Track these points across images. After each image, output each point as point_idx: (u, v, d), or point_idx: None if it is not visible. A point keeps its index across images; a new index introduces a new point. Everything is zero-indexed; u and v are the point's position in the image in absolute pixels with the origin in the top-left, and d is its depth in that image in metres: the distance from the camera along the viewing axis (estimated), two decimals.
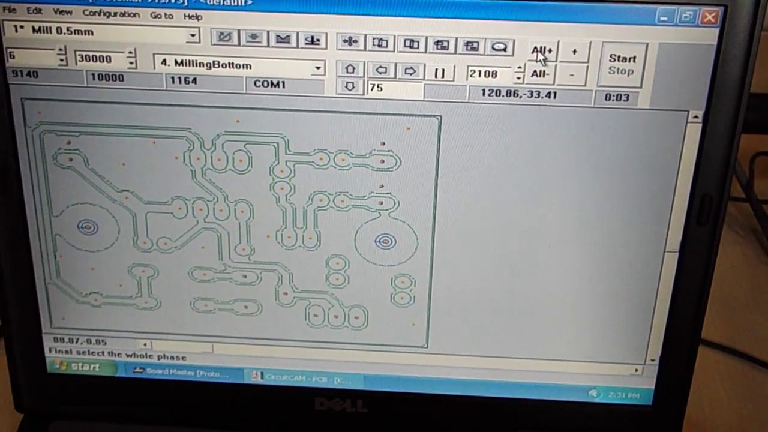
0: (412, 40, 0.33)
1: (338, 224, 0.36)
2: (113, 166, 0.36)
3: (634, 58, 0.33)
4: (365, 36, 0.33)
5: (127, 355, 0.39)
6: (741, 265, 0.54)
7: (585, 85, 0.33)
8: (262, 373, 0.39)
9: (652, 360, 0.38)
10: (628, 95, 0.33)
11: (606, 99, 0.33)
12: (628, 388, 0.39)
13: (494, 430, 0.39)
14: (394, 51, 0.33)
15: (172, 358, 0.39)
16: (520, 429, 0.39)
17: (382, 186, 0.35)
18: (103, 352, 0.39)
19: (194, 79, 0.34)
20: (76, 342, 0.39)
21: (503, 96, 0.33)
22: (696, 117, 0.33)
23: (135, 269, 0.37)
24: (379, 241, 0.36)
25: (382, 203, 0.36)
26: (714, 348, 0.47)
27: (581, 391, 0.39)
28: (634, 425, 0.39)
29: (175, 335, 0.39)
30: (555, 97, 0.33)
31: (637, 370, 0.38)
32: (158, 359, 0.39)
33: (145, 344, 0.39)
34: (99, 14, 0.33)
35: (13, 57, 0.34)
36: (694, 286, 0.36)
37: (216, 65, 0.34)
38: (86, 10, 0.33)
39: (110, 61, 0.34)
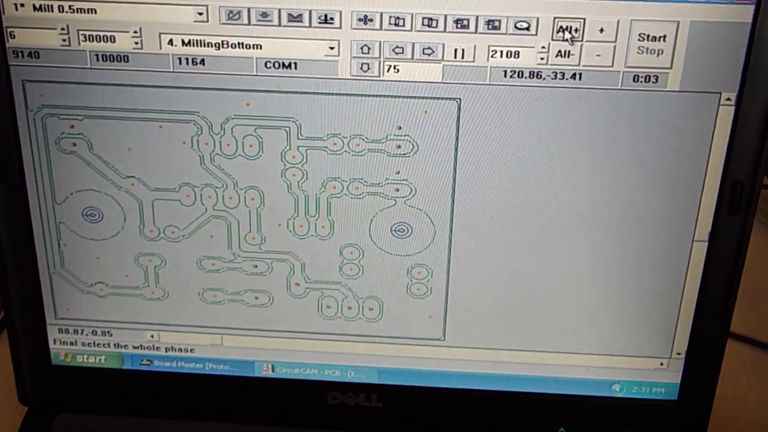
0: (431, 19, 0.31)
1: (352, 212, 0.35)
2: (118, 151, 0.34)
3: (664, 37, 0.31)
4: (381, 14, 0.31)
5: (134, 347, 0.38)
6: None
7: (612, 66, 0.32)
8: (273, 366, 0.38)
9: (678, 354, 0.36)
10: (657, 77, 0.32)
11: (634, 81, 0.32)
12: (652, 382, 0.37)
13: (513, 425, 0.38)
14: (411, 30, 0.31)
15: (180, 350, 0.38)
16: (539, 424, 0.38)
17: (398, 172, 0.34)
18: (109, 344, 0.38)
19: (202, 60, 0.32)
20: (82, 333, 0.38)
21: (526, 78, 0.32)
22: (728, 99, 0.32)
23: (142, 258, 0.36)
24: (395, 230, 0.35)
25: (398, 190, 0.34)
26: (740, 341, 0.46)
27: (604, 386, 0.37)
28: (658, 421, 0.38)
29: (183, 327, 0.37)
30: (580, 78, 0.32)
31: (662, 364, 0.37)
32: (166, 351, 0.38)
33: (152, 336, 0.38)
34: None
35: (14, 37, 0.32)
36: (724, 278, 0.35)
37: (225, 45, 0.32)
38: None
39: (114, 42, 0.32)
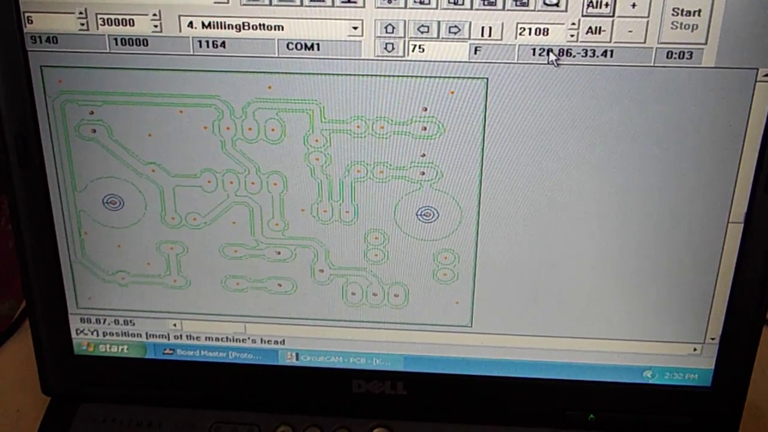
0: None
1: (377, 196, 0.34)
2: (138, 137, 0.34)
3: (699, 11, 0.30)
4: None
5: (157, 336, 0.38)
6: None
7: (645, 43, 0.31)
8: (297, 354, 0.38)
9: (712, 338, 0.36)
10: (691, 53, 0.31)
11: (667, 57, 0.31)
12: (685, 368, 0.36)
13: (542, 412, 0.37)
14: (437, 8, 0.30)
15: (203, 338, 0.37)
16: (569, 412, 0.37)
17: (423, 155, 0.33)
18: (131, 333, 0.38)
19: (223, 43, 0.32)
20: (104, 323, 0.37)
21: (555, 56, 0.31)
22: (766, 76, 0.31)
23: (163, 246, 0.36)
24: (421, 214, 0.34)
25: (423, 174, 0.33)
26: None
27: (635, 372, 0.37)
28: (691, 408, 0.37)
29: (205, 315, 0.37)
30: (612, 56, 0.31)
31: (695, 350, 0.36)
32: (188, 340, 0.38)
33: (174, 324, 0.37)
34: None
35: (31, 22, 0.32)
36: (760, 260, 0.34)
37: (246, 27, 0.31)
38: None
39: (133, 25, 0.32)
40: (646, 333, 0.36)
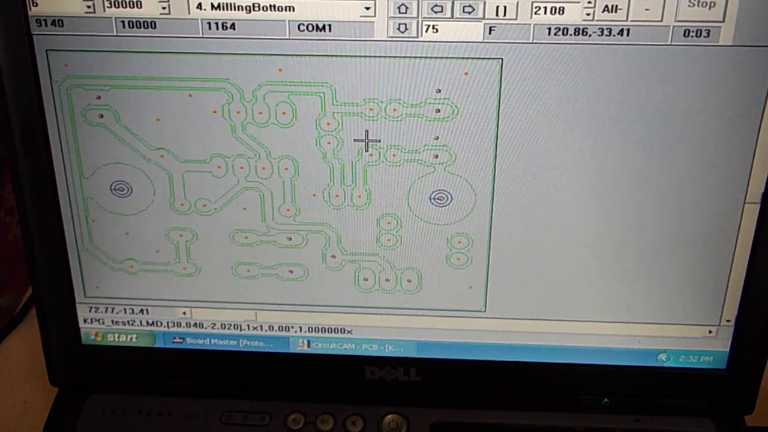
0: None
1: (390, 180, 0.33)
2: (147, 122, 0.33)
3: None
4: None
5: (166, 325, 0.37)
6: None
7: (661, 21, 0.30)
8: (308, 342, 0.37)
9: (728, 321, 0.35)
10: (709, 31, 0.30)
11: (684, 35, 0.30)
12: (700, 351, 0.36)
13: (555, 397, 0.37)
14: None
15: (213, 326, 0.37)
16: (583, 396, 0.37)
17: (437, 138, 0.33)
18: (140, 322, 0.37)
19: (232, 25, 0.31)
20: (112, 312, 0.37)
21: (571, 35, 0.30)
22: None
23: (172, 233, 0.35)
24: (434, 198, 0.34)
25: (437, 157, 0.33)
26: None
27: (650, 356, 0.36)
28: (706, 391, 0.37)
29: (215, 303, 0.37)
30: (628, 34, 0.30)
31: (710, 332, 0.36)
32: (198, 328, 0.37)
33: (184, 313, 0.37)
34: None
35: (36, 4, 0.31)
36: None
37: (256, 8, 0.31)
38: None
39: (141, 7, 0.31)
40: (661, 316, 0.35)
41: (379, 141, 0.33)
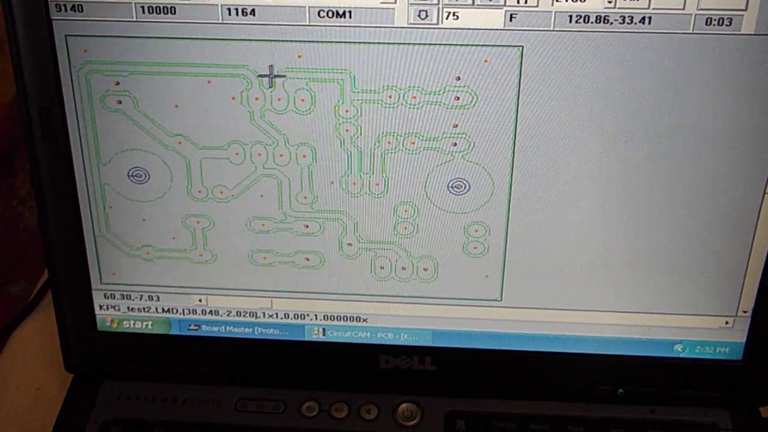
0: None
1: (408, 168, 0.33)
2: (165, 108, 0.33)
3: None
4: None
5: (181, 312, 0.37)
6: None
7: (683, 9, 0.30)
8: (323, 330, 0.37)
9: (744, 311, 0.35)
10: (731, 19, 0.30)
11: (707, 24, 0.30)
12: (717, 342, 0.36)
13: (571, 387, 0.37)
14: None
15: (229, 314, 0.37)
16: (598, 386, 0.37)
17: (455, 126, 0.33)
18: (155, 309, 0.37)
19: (252, 11, 0.31)
20: (128, 298, 0.37)
21: (592, 23, 0.30)
22: None
23: (189, 220, 0.35)
24: (452, 186, 0.34)
25: (455, 145, 0.33)
26: None
27: (666, 346, 0.36)
28: (722, 382, 0.37)
29: (231, 290, 0.37)
30: (650, 22, 0.30)
31: (727, 323, 0.36)
32: (214, 315, 0.37)
33: (200, 300, 0.37)
34: None
35: None
36: None
37: None
38: None
39: None
40: (678, 306, 0.35)
41: (398, 129, 0.33)
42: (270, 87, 0.32)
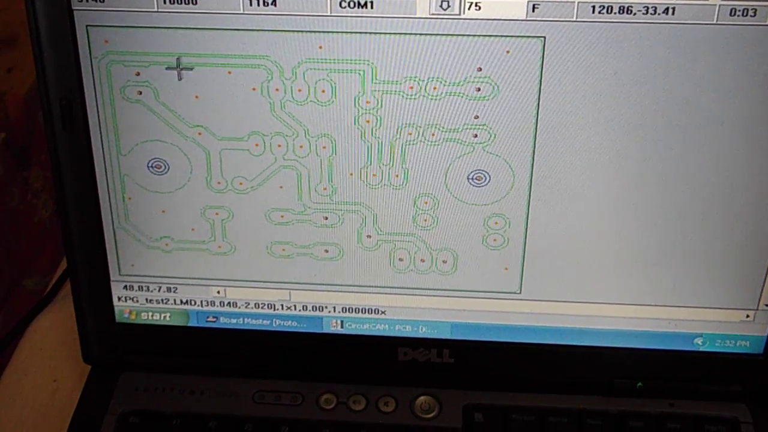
0: None
1: (428, 160, 0.33)
2: (185, 99, 0.33)
3: None
4: None
5: (200, 304, 0.37)
6: None
7: (707, 0, 0.30)
8: (342, 322, 0.37)
9: (766, 305, 0.35)
10: (755, 9, 0.30)
11: (731, 14, 0.30)
12: (737, 335, 0.36)
13: (589, 380, 0.37)
14: None
15: (247, 306, 0.37)
16: (617, 380, 0.37)
17: (476, 117, 0.32)
18: (174, 301, 0.37)
19: (273, 1, 0.31)
20: (146, 290, 0.37)
21: (615, 13, 0.30)
22: None
23: (208, 212, 0.35)
24: (472, 178, 0.34)
25: (476, 136, 0.33)
26: None
27: (686, 339, 0.36)
28: (742, 376, 0.36)
29: (250, 282, 0.37)
30: (673, 13, 0.30)
31: (748, 316, 0.35)
32: (232, 307, 0.37)
33: (218, 292, 0.37)
34: None
35: None
36: None
37: None
38: None
39: None
40: (698, 299, 0.35)
41: (419, 120, 0.32)
42: (290, 78, 0.32)
